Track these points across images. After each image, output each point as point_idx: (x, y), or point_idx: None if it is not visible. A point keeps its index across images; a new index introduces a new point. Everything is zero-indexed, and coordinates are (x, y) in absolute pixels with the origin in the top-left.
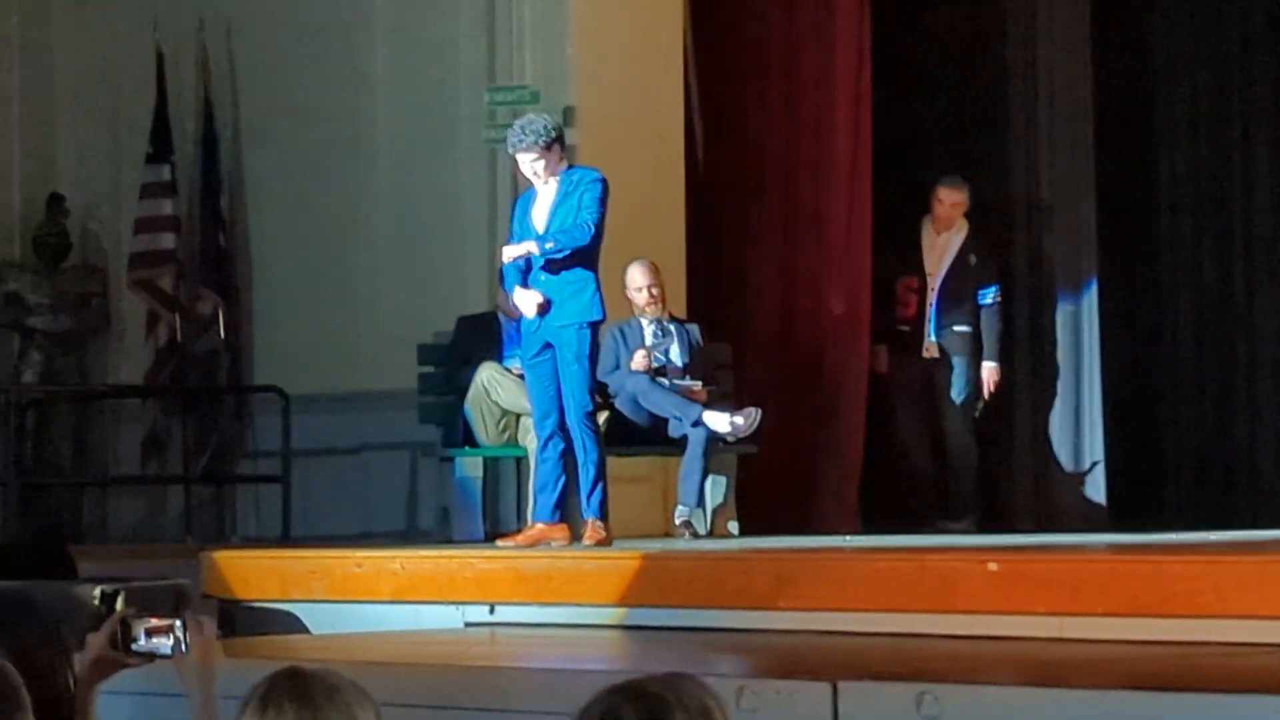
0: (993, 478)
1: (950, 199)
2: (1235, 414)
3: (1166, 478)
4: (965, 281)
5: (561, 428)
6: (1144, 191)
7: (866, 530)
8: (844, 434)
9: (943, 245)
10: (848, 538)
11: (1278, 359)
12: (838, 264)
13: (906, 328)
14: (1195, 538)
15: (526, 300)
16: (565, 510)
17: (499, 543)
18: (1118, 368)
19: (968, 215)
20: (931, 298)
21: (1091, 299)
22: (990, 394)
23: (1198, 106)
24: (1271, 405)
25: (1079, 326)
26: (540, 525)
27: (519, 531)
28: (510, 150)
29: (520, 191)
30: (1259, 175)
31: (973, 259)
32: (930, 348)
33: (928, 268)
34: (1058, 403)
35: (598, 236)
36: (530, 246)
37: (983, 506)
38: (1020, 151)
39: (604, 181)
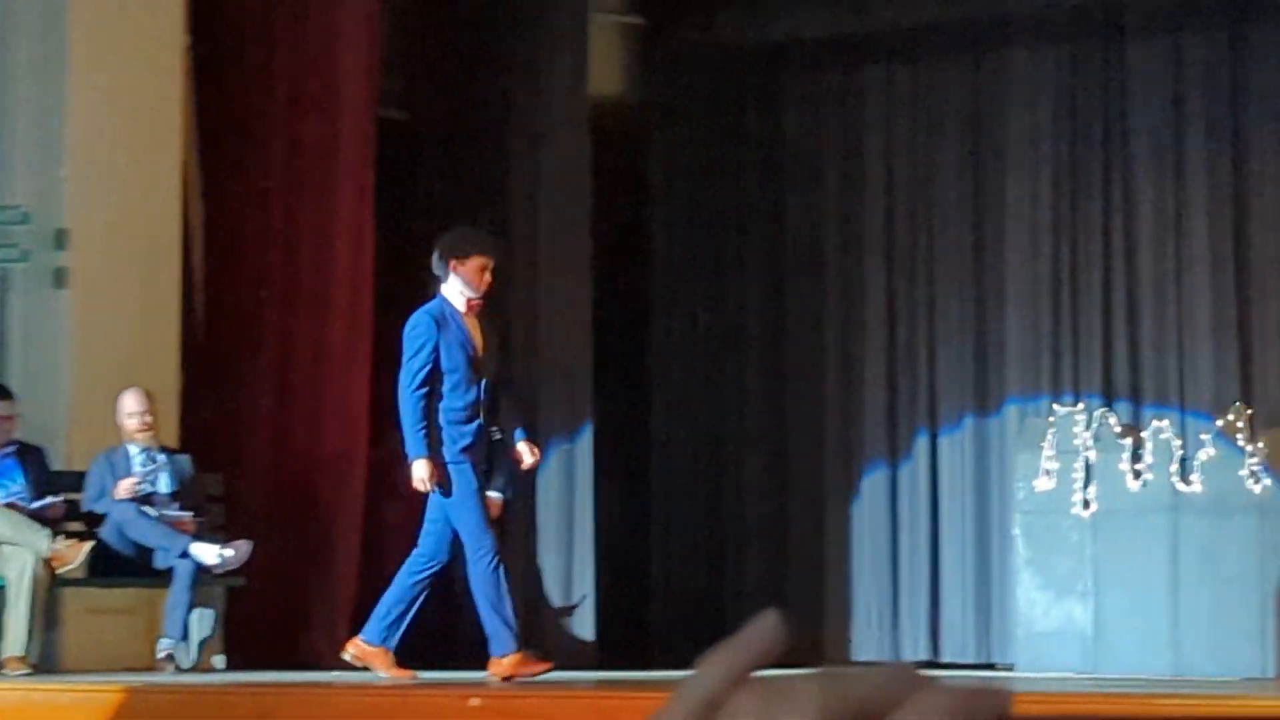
0: None
1: None
2: (724, 559)
3: (654, 616)
4: None
5: None
6: (638, 339)
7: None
8: (338, 570)
9: None
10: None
11: (766, 507)
12: (334, 399)
13: None
14: (681, 676)
15: None
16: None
17: None
18: (609, 509)
19: None
20: None
21: (586, 442)
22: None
23: (696, 256)
24: (759, 553)
25: (573, 467)
26: None
27: None
28: None
29: None
30: (751, 321)
31: None
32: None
33: None
34: (550, 540)
35: None
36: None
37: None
38: (520, 297)
39: None
